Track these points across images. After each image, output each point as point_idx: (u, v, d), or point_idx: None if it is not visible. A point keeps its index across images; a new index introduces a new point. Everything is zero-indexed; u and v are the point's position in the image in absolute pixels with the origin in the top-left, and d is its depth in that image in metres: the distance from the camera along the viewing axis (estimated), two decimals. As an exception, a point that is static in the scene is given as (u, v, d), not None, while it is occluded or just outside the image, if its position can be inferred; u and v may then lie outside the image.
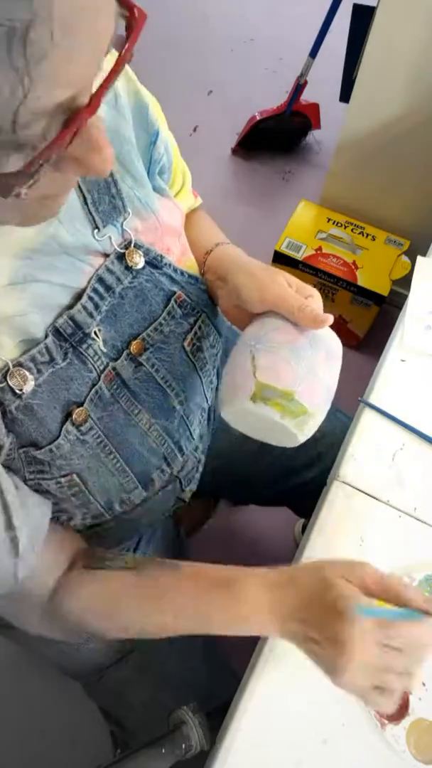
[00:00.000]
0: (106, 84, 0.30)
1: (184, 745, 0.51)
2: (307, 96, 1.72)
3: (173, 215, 0.58)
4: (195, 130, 1.99)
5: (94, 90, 0.29)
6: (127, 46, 0.30)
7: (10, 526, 0.45)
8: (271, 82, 2.10)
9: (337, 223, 1.42)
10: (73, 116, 0.29)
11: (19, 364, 0.44)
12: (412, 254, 1.20)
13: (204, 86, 2.11)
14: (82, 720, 1.02)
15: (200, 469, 0.69)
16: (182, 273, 0.57)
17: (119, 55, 0.30)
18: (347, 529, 0.60)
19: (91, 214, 0.48)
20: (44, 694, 1.13)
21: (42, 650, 0.72)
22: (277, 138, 1.87)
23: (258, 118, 1.79)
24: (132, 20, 0.29)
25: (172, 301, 0.56)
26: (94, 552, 0.56)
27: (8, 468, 0.47)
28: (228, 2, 2.38)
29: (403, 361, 0.72)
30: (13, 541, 0.46)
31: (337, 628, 0.44)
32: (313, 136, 1.93)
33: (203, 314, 0.59)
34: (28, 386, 0.45)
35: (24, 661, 1.15)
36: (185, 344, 0.58)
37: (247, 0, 2.38)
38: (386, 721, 0.52)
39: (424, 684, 0.54)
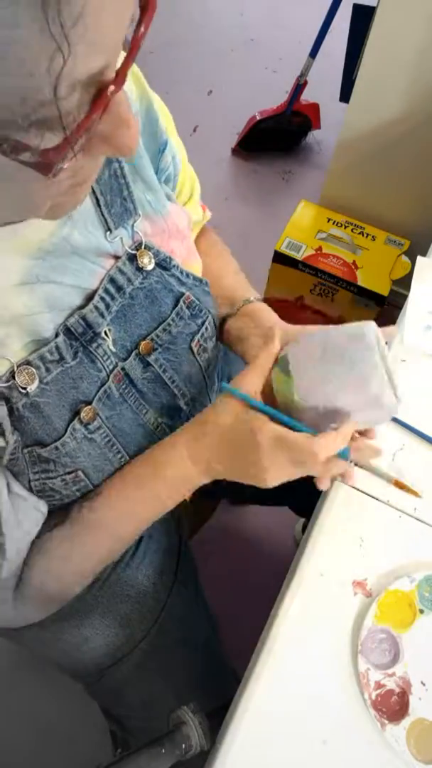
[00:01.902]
0: (131, 56, 0.29)
1: (184, 745, 0.51)
2: (307, 96, 1.72)
3: (180, 219, 0.58)
4: (195, 130, 1.99)
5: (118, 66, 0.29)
6: (146, 15, 0.29)
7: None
8: (271, 82, 2.10)
9: (337, 223, 1.42)
10: (103, 90, 0.28)
11: (27, 362, 0.45)
12: (412, 254, 1.20)
13: (204, 86, 2.11)
14: (82, 720, 1.02)
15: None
16: (188, 275, 0.57)
17: (137, 27, 0.29)
18: (347, 529, 0.60)
19: (103, 216, 0.49)
20: (44, 694, 1.13)
21: (42, 650, 0.72)
22: (277, 138, 1.87)
23: (258, 118, 1.79)
24: (146, 4, 0.29)
25: (181, 302, 0.56)
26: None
27: (11, 470, 0.47)
28: (228, 2, 2.38)
29: (403, 361, 0.72)
30: (0, 547, 0.47)
31: (251, 459, 0.50)
32: (313, 136, 1.93)
33: (210, 316, 0.60)
34: (34, 384, 0.45)
35: (24, 661, 1.15)
36: (193, 345, 0.58)
37: (247, 0, 2.38)
38: (386, 721, 0.52)
39: (423, 684, 0.54)
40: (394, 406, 0.49)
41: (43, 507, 0.51)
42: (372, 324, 0.50)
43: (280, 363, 0.52)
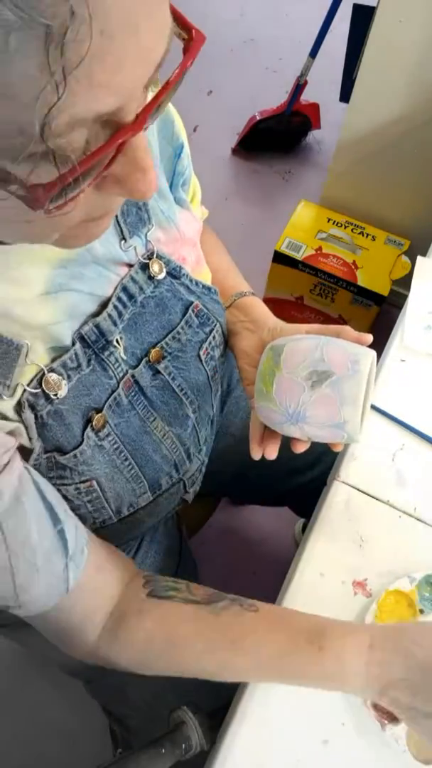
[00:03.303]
0: (155, 102, 0.28)
1: (184, 745, 0.51)
2: (307, 96, 1.72)
3: (191, 227, 0.59)
4: (195, 130, 1.99)
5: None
6: (180, 66, 0.29)
7: (56, 519, 0.45)
8: (271, 82, 2.10)
9: (337, 223, 1.42)
10: (117, 132, 0.27)
11: (52, 370, 0.45)
12: (412, 254, 1.20)
13: (204, 86, 2.11)
14: (82, 720, 1.02)
15: (203, 470, 0.70)
16: (197, 284, 0.58)
17: (172, 75, 0.29)
18: (347, 529, 0.60)
19: (119, 225, 0.49)
20: (44, 694, 1.13)
21: (44, 650, 0.72)
22: (277, 138, 1.87)
23: (258, 118, 1.79)
24: (190, 42, 0.29)
25: (190, 311, 0.57)
26: (154, 578, 0.53)
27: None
28: (228, 2, 2.38)
29: (403, 361, 0.72)
30: (60, 535, 0.45)
31: None
32: (313, 136, 1.93)
33: (218, 324, 0.60)
34: (63, 392, 0.46)
35: (24, 660, 1.15)
36: (201, 353, 0.59)
37: (247, 0, 2.38)
38: (386, 721, 0.52)
39: (424, 684, 0.54)
40: (355, 435, 0.50)
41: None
42: (371, 354, 0.50)
43: (276, 349, 0.52)
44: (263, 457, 0.56)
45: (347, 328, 0.54)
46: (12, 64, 0.22)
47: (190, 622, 0.49)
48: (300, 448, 0.54)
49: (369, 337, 0.53)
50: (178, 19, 0.28)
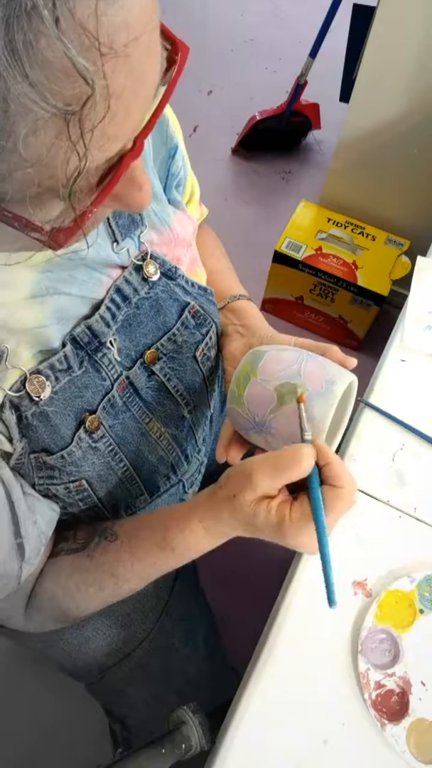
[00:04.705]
0: (150, 126, 0.30)
1: (184, 745, 0.51)
2: (307, 96, 1.72)
3: (186, 227, 0.58)
4: (195, 130, 1.99)
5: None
6: (168, 84, 0.30)
7: (18, 534, 0.46)
8: (271, 82, 2.10)
9: (337, 223, 1.42)
10: (120, 163, 0.29)
11: (38, 372, 0.45)
12: (412, 254, 1.20)
13: (204, 86, 2.11)
14: (82, 720, 1.02)
15: (202, 470, 0.70)
16: (193, 284, 0.58)
17: (162, 95, 0.30)
18: (347, 529, 0.60)
19: (111, 227, 0.49)
20: (44, 694, 1.13)
21: (43, 651, 0.72)
22: (277, 138, 1.87)
23: (258, 118, 1.79)
24: (174, 54, 0.29)
25: (186, 312, 0.57)
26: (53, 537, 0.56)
27: (17, 472, 0.47)
28: (228, 2, 2.38)
29: (403, 361, 0.72)
30: (20, 547, 0.47)
31: (276, 536, 0.46)
32: (313, 136, 1.93)
33: (214, 325, 0.60)
34: (46, 393, 0.45)
35: (24, 661, 1.15)
36: (197, 354, 0.58)
37: (247, 0, 2.38)
38: (386, 721, 0.52)
39: (423, 684, 0.54)
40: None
41: (55, 507, 0.51)
42: (351, 378, 0.49)
43: (256, 354, 0.52)
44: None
45: (334, 348, 0.53)
46: (37, 140, 0.24)
47: (77, 572, 0.53)
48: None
49: (353, 361, 0.52)
50: (163, 31, 0.29)
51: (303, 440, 0.46)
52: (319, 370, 0.48)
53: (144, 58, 0.25)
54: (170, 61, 0.29)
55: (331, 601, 0.44)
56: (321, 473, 0.45)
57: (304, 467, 0.44)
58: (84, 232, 0.30)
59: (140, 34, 0.24)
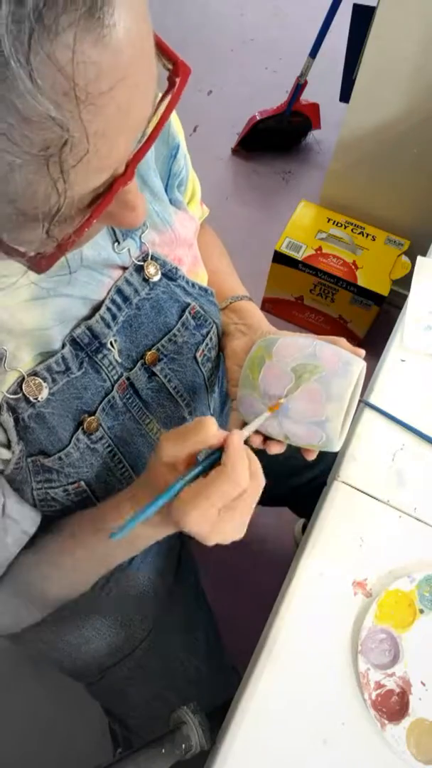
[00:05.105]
0: (144, 150, 0.29)
1: (184, 745, 0.51)
2: (307, 96, 1.72)
3: (187, 228, 0.58)
4: (195, 130, 1.99)
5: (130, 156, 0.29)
6: (167, 105, 0.29)
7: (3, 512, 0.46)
8: (271, 82, 2.10)
9: (337, 223, 1.42)
10: (110, 189, 0.29)
11: (35, 373, 0.45)
12: (412, 254, 1.20)
13: (204, 86, 2.11)
14: (82, 720, 1.02)
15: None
16: (194, 285, 0.58)
17: (159, 117, 0.29)
18: (347, 529, 0.60)
19: (111, 228, 0.49)
20: (44, 694, 1.13)
21: (43, 651, 0.72)
22: (277, 138, 1.87)
23: (258, 118, 1.79)
24: (175, 75, 0.29)
25: (186, 313, 0.56)
26: None
27: (14, 479, 0.47)
28: (228, 2, 2.38)
29: (403, 361, 0.72)
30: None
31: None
32: (313, 136, 1.93)
33: (214, 326, 0.60)
34: (43, 395, 0.45)
35: (24, 661, 1.15)
36: (197, 355, 0.58)
37: (247, 0, 2.38)
38: (386, 721, 0.52)
39: (423, 684, 0.54)
40: (334, 438, 0.49)
41: (31, 527, 0.51)
42: (362, 363, 0.50)
43: (269, 340, 0.52)
44: (262, 455, 0.56)
45: (342, 340, 0.54)
46: (16, 177, 0.24)
47: (29, 570, 0.52)
48: (274, 449, 0.53)
49: (362, 352, 0.53)
50: (164, 51, 0.28)
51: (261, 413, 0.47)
52: (334, 352, 0.49)
53: (131, 94, 0.25)
54: (171, 81, 0.29)
55: (120, 531, 0.41)
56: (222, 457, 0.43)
57: (202, 435, 0.42)
58: (66, 257, 0.30)
59: (128, 73, 0.24)
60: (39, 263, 0.29)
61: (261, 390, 0.50)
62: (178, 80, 0.29)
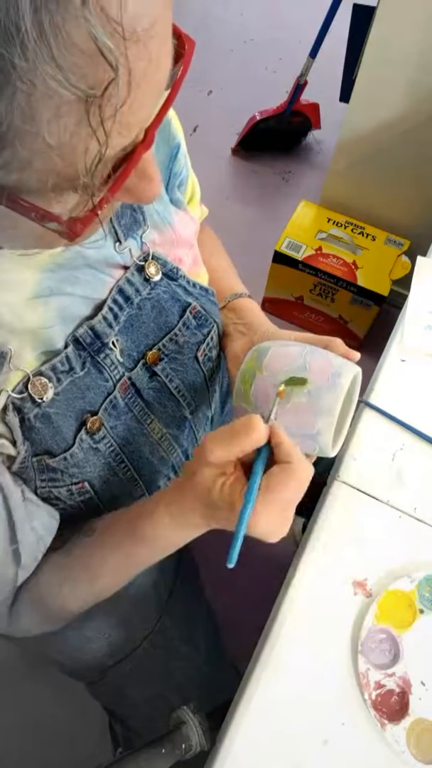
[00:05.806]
0: (160, 118, 0.30)
1: (184, 745, 0.51)
2: (307, 96, 1.72)
3: (188, 228, 0.59)
4: (195, 130, 1.99)
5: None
6: (178, 77, 0.30)
7: (14, 539, 0.46)
8: (271, 82, 2.10)
9: (337, 223, 1.42)
10: (132, 154, 0.29)
11: (40, 373, 0.45)
12: (412, 254, 1.20)
13: (204, 86, 2.11)
14: (82, 720, 1.02)
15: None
16: (194, 285, 0.58)
17: (170, 87, 0.30)
18: (347, 529, 0.60)
19: (114, 227, 0.49)
20: (44, 694, 1.13)
21: (43, 651, 0.72)
22: (277, 138, 1.87)
23: (258, 118, 1.79)
24: (181, 48, 0.30)
25: (188, 312, 0.57)
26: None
27: (20, 476, 0.47)
28: (228, 2, 2.38)
29: (403, 361, 0.72)
30: (15, 553, 0.47)
31: (231, 518, 0.44)
32: (313, 136, 1.93)
33: (215, 325, 0.60)
34: (48, 395, 0.45)
35: (24, 661, 1.15)
36: (198, 354, 0.58)
37: (247, 0, 2.38)
38: (386, 721, 0.52)
39: (423, 684, 0.54)
40: (327, 449, 0.49)
41: (55, 514, 0.51)
42: (355, 369, 0.50)
43: (260, 350, 0.52)
44: None
45: (337, 341, 0.54)
46: (59, 125, 0.24)
47: (56, 570, 0.52)
48: None
49: (356, 355, 0.53)
50: None
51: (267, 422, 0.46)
52: (325, 363, 0.49)
53: (160, 46, 0.26)
54: (177, 55, 0.30)
55: (230, 559, 0.42)
56: (273, 454, 0.45)
57: (254, 436, 0.42)
58: (101, 220, 0.31)
59: (158, 22, 0.25)
60: (74, 226, 0.30)
61: (253, 404, 0.50)
62: (184, 52, 0.30)
